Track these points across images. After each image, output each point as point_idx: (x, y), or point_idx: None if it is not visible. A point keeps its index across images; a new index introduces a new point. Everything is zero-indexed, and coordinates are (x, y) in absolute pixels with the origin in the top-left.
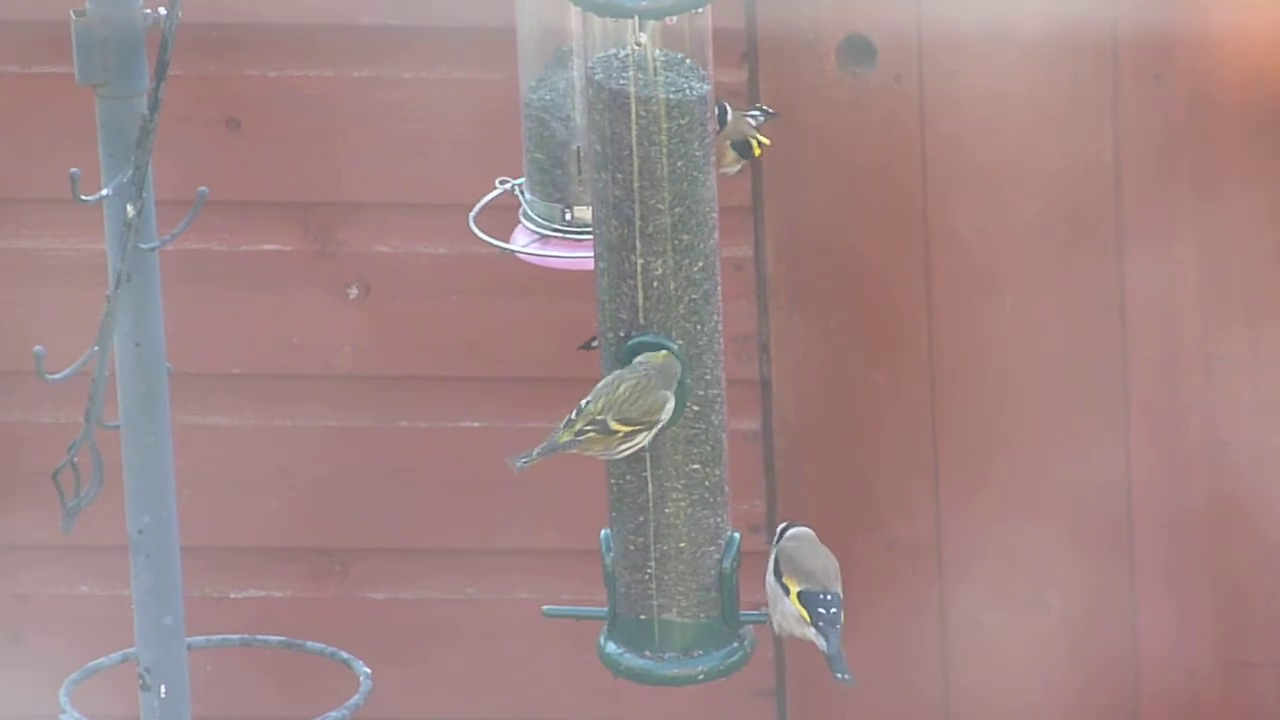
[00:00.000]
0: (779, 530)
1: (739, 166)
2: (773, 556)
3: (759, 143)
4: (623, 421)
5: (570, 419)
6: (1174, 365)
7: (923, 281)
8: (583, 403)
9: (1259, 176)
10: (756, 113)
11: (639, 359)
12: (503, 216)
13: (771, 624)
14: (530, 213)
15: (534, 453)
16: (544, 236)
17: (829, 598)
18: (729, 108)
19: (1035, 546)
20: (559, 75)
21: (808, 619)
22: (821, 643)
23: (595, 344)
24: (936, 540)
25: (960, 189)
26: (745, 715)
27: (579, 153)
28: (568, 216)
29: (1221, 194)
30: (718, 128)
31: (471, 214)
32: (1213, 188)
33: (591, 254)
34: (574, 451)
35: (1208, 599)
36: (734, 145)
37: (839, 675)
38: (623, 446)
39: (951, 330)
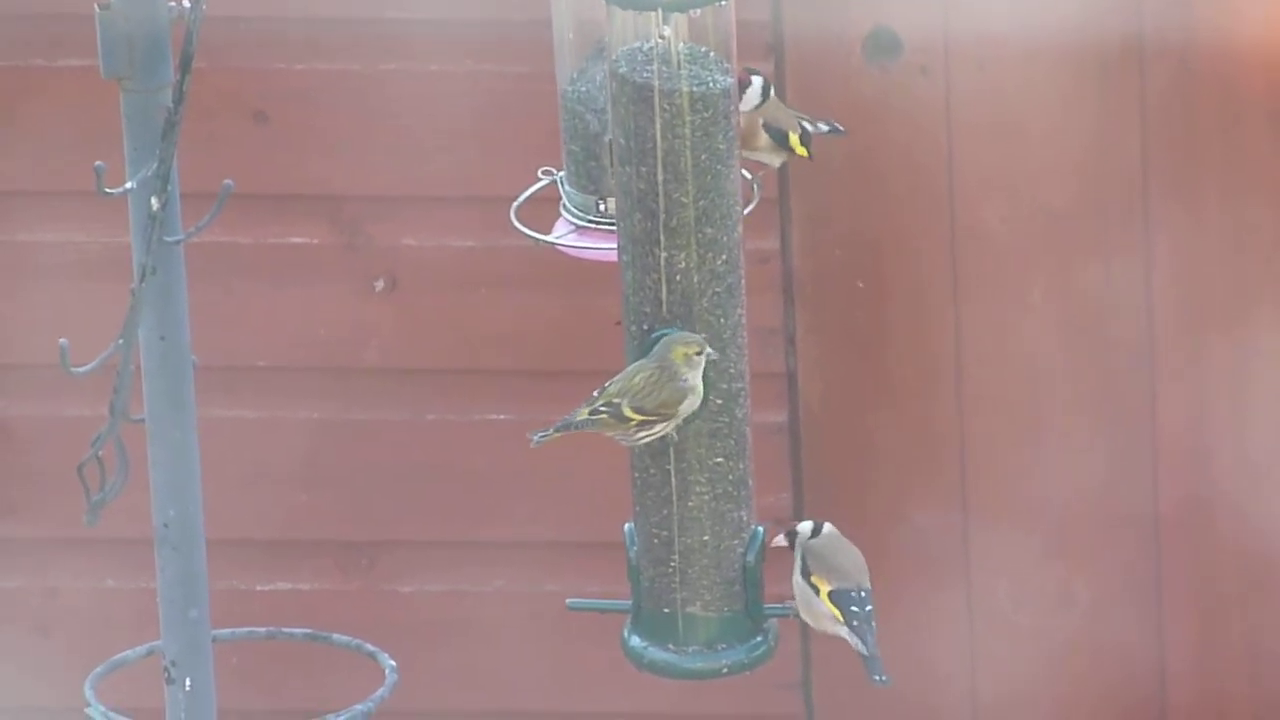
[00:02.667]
0: (795, 530)
1: (779, 161)
2: (798, 556)
3: (801, 142)
4: (637, 410)
5: (592, 396)
6: (1200, 359)
7: (949, 273)
8: (606, 383)
9: None
10: (824, 126)
11: (657, 345)
12: (536, 209)
13: (798, 618)
14: (569, 204)
15: (551, 429)
16: (580, 228)
17: (862, 594)
18: (767, 85)
19: (1061, 540)
20: (597, 68)
21: (841, 619)
22: (858, 644)
23: None
24: (963, 533)
25: (986, 181)
26: (772, 707)
27: (610, 145)
28: (602, 207)
29: (1247, 189)
30: (758, 102)
31: (514, 205)
32: (1239, 182)
33: None
34: (590, 431)
35: (1232, 593)
36: (768, 129)
37: (876, 678)
38: (641, 434)
39: (978, 322)
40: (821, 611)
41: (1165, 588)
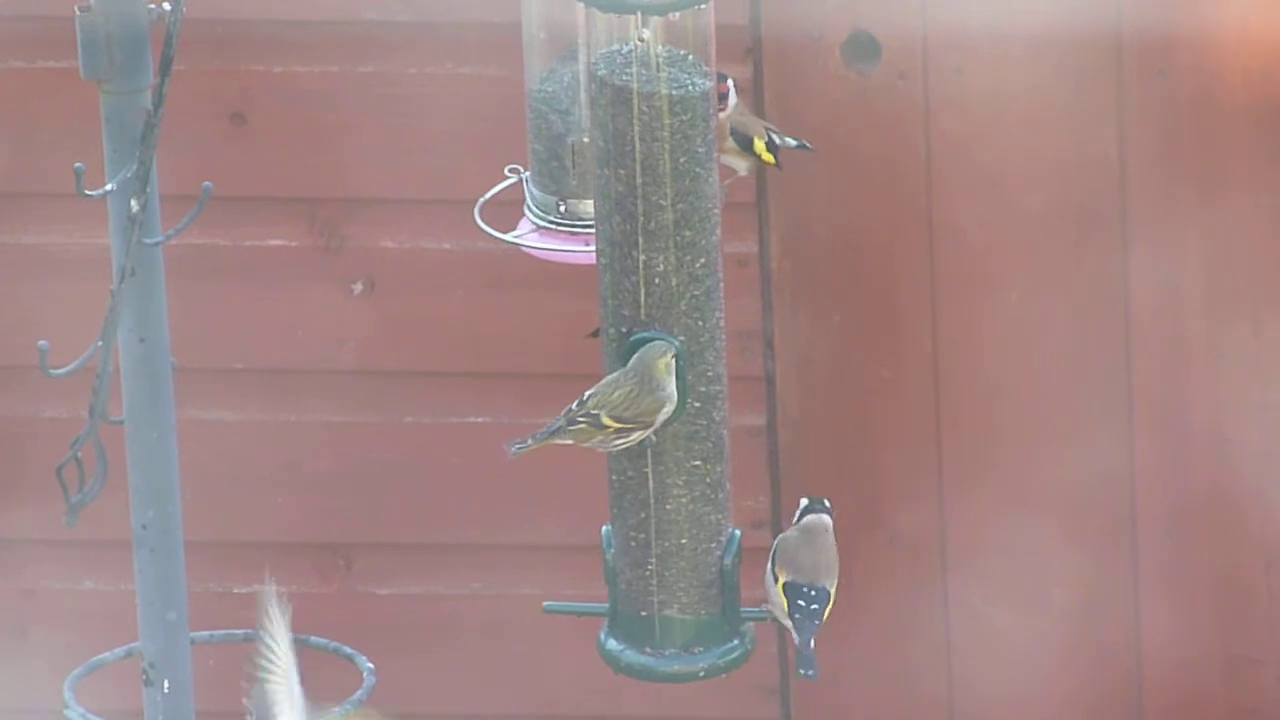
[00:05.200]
0: (802, 507)
1: (746, 168)
2: (775, 542)
3: (767, 149)
4: (615, 419)
5: (570, 409)
6: (1177, 361)
7: (926, 277)
8: (585, 394)
9: (1263, 173)
10: (792, 141)
11: (634, 357)
12: (507, 211)
13: (774, 619)
14: (531, 203)
15: (530, 440)
16: (541, 228)
17: (814, 592)
18: (733, 90)
19: (1038, 541)
20: (566, 69)
21: (786, 609)
22: (795, 636)
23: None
24: (940, 535)
25: (964, 185)
26: (750, 711)
27: (573, 147)
28: (562, 209)
29: (1225, 191)
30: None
31: (478, 204)
32: (1217, 184)
33: (586, 247)
34: (568, 441)
35: (1209, 595)
36: (734, 135)
37: (801, 671)
38: (618, 441)
39: (955, 326)
40: (775, 600)
41: (1142, 589)
